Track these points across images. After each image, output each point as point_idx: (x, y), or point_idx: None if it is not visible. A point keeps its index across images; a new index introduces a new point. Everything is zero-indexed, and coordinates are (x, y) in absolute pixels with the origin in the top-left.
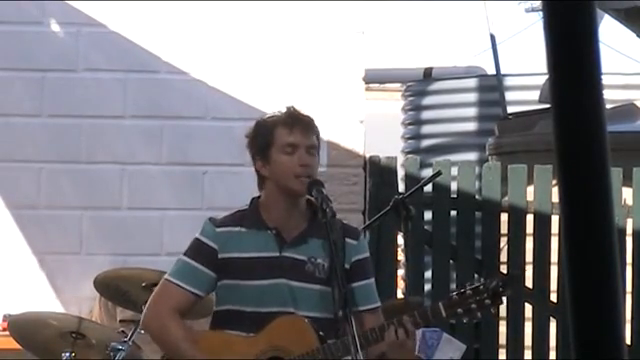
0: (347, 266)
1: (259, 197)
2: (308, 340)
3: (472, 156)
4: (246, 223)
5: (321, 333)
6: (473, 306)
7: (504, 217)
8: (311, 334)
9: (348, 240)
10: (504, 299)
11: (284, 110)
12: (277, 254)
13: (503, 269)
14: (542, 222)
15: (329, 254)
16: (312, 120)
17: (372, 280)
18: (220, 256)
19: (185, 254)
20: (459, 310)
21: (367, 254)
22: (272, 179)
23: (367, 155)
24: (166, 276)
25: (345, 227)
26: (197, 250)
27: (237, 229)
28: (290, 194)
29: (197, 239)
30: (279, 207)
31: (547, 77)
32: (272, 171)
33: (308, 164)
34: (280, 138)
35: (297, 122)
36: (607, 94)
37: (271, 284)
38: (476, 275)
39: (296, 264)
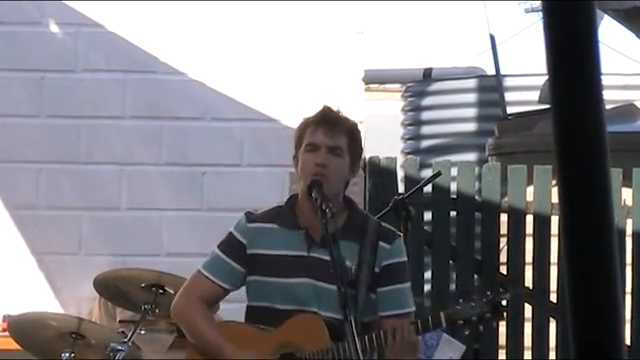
0: (377, 270)
1: (297, 195)
2: (321, 339)
3: (472, 157)
4: (279, 220)
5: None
6: (474, 318)
7: (504, 218)
8: (324, 334)
9: (381, 244)
10: (505, 314)
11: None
12: (305, 253)
13: (503, 270)
14: (542, 223)
15: (330, 253)
16: (345, 121)
17: (405, 285)
18: (249, 251)
19: (218, 246)
20: (460, 322)
21: (401, 258)
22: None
23: (367, 156)
24: (199, 267)
25: (381, 230)
26: (228, 244)
27: (269, 225)
28: (305, 193)
29: (230, 232)
30: (308, 206)
31: (547, 78)
32: (298, 169)
33: (324, 164)
34: (307, 137)
35: (323, 122)
36: (607, 94)
37: (296, 283)
38: (476, 276)
39: (323, 265)
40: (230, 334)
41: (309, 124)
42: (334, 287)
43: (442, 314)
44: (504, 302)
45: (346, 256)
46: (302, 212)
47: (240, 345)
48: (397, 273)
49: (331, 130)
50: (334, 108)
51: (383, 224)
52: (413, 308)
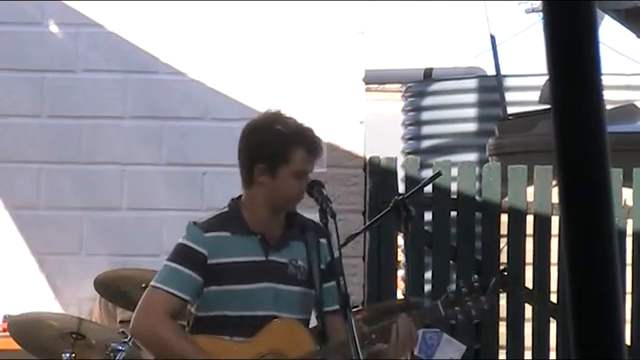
0: (322, 266)
1: (239, 197)
2: (305, 343)
3: (472, 157)
4: (231, 228)
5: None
6: (469, 304)
7: (504, 218)
8: (308, 337)
9: (322, 240)
10: (500, 299)
11: (293, 118)
12: (263, 258)
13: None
14: (542, 223)
15: (329, 255)
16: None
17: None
18: (209, 261)
19: (171, 260)
20: (457, 308)
21: (337, 253)
22: (268, 190)
23: (367, 156)
24: (153, 283)
25: (317, 227)
26: (185, 255)
27: (224, 234)
28: (281, 211)
29: (184, 244)
30: (264, 213)
31: (547, 78)
32: (274, 186)
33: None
34: (297, 162)
35: (314, 150)
36: (607, 95)
37: (258, 288)
38: (476, 276)
39: (280, 267)
40: (206, 348)
41: (296, 144)
42: (292, 288)
43: (439, 303)
44: (497, 285)
45: (297, 256)
46: (253, 217)
47: (218, 357)
48: (335, 269)
49: (318, 157)
50: (310, 127)
51: (315, 221)
52: None
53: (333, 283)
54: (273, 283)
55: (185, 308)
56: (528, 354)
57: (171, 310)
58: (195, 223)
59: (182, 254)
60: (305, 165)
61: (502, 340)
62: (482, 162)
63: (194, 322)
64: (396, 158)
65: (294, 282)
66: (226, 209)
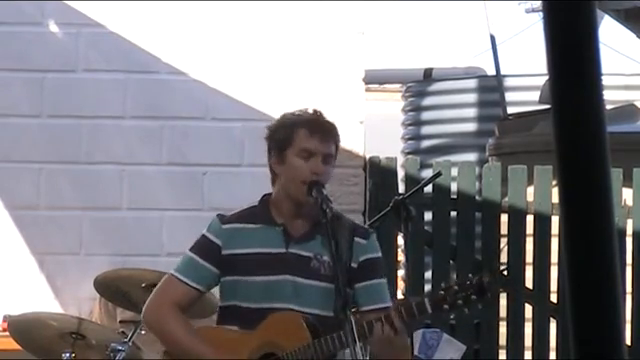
0: (354, 265)
1: (270, 194)
2: (301, 336)
3: (472, 157)
4: (255, 219)
5: (318, 329)
6: (459, 302)
7: (504, 218)
8: (304, 330)
9: (357, 239)
10: (491, 295)
11: (310, 111)
12: (283, 250)
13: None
14: (542, 223)
15: (330, 254)
16: (335, 128)
17: (382, 280)
18: (224, 252)
19: (191, 249)
20: (445, 306)
21: (377, 254)
22: (282, 178)
23: (367, 156)
24: (171, 270)
25: (355, 226)
26: (201, 246)
27: (243, 225)
28: (292, 199)
29: (203, 235)
30: (288, 205)
31: (547, 78)
32: (285, 171)
33: (320, 172)
34: (299, 141)
35: (319, 128)
36: (607, 95)
37: (276, 280)
38: (470, 275)
39: (301, 260)
40: (207, 338)
41: (299, 126)
42: (314, 283)
43: (426, 299)
44: (488, 283)
45: (323, 251)
46: (279, 210)
47: (219, 348)
48: (376, 268)
49: (326, 138)
50: (320, 111)
51: (356, 222)
52: (390, 303)
53: (371, 282)
54: (292, 276)
55: (199, 298)
56: (528, 354)
57: (181, 298)
58: (219, 215)
59: (199, 244)
60: (309, 143)
61: (502, 340)
62: (482, 162)
63: (218, 312)
64: (396, 158)
65: (316, 276)
66: (256, 203)
